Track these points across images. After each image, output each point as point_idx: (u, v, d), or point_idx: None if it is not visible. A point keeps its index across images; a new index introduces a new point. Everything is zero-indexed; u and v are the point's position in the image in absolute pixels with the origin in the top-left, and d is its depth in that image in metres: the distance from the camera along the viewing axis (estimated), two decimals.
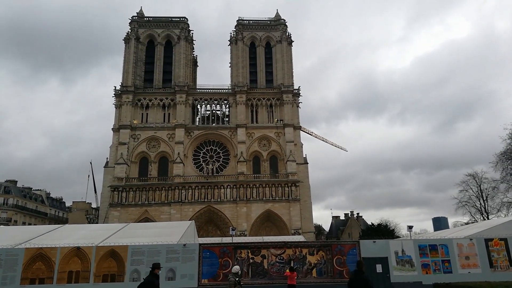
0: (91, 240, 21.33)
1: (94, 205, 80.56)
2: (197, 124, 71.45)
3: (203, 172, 67.01)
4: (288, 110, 70.38)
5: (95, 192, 73.02)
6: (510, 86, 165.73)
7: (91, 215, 79.37)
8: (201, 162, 68.21)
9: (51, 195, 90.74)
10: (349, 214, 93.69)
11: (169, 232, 24.29)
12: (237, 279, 10.90)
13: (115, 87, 69.92)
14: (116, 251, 20.24)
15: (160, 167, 66.83)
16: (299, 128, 71.17)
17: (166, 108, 70.15)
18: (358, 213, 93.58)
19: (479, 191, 53.06)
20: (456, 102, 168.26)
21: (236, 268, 11.20)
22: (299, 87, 73.47)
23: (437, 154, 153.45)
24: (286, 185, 64.32)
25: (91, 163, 75.19)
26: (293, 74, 74.14)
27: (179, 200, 62.42)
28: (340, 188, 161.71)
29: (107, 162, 66.21)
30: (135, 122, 67.83)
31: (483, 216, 51.30)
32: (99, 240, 21.33)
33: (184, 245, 21.13)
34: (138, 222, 53.40)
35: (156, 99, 70.16)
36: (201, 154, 68.76)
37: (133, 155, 66.14)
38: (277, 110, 71.39)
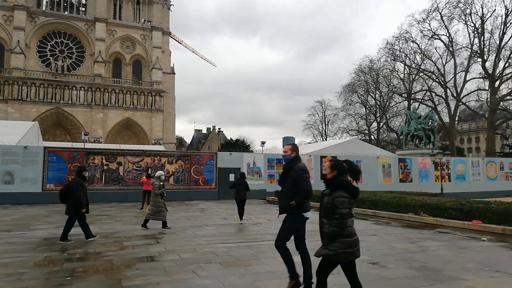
0: None
1: None
2: (44, 9, 59.53)
3: (50, 69, 57.97)
4: (157, 11, 64.45)
5: None
6: (366, 28, 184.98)
7: None
8: (49, 57, 58.56)
9: None
10: (211, 128, 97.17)
11: (6, 131, 21.10)
12: (161, 183, 10.63)
13: None
14: None
15: None
16: (169, 34, 66.68)
17: None
18: (219, 128, 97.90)
19: (323, 116, 61.29)
20: (320, 34, 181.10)
21: (159, 172, 11.01)
22: None
23: (297, 80, 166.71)
24: (149, 94, 61.39)
25: None
26: None
27: (19, 97, 53.53)
28: (206, 103, 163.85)
29: None
30: None
31: (323, 138, 60.08)
32: None
33: (25, 147, 18.80)
34: None
35: None
36: (49, 47, 58.72)
37: None
38: (145, 9, 64.63)
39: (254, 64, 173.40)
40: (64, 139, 52.88)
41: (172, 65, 66.79)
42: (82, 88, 57.22)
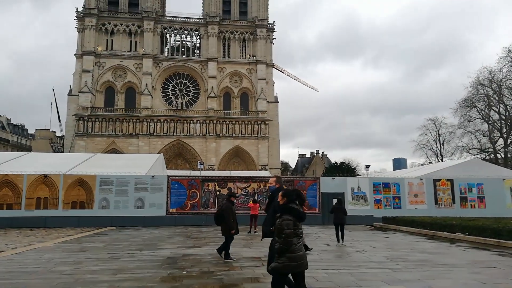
0: (58, 168, 21.39)
1: (58, 134, 78.68)
2: (166, 54, 68.61)
3: (172, 106, 66.04)
4: (261, 46, 68.73)
5: (59, 120, 70.84)
6: (484, 38, 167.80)
7: (56, 144, 77.84)
8: (170, 96, 66.86)
9: (12, 122, 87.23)
10: (315, 152, 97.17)
11: (138, 163, 24.66)
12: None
13: (77, 8, 65.19)
14: (84, 180, 20.53)
15: (127, 98, 65.08)
16: (272, 65, 70.24)
17: (133, 35, 66.46)
18: (323, 152, 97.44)
19: (437, 135, 56.21)
20: (430, 50, 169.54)
21: None
22: (274, 22, 71.30)
23: (405, 99, 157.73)
24: (255, 123, 65.03)
25: (53, 90, 72.01)
26: (269, 7, 71.41)
27: (148, 132, 61.99)
28: (310, 128, 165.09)
29: (70, 90, 63.62)
30: (99, 48, 64.17)
31: (438, 158, 54.90)
32: (66, 169, 21.43)
33: (153, 176, 21.70)
34: (106, 153, 53.16)
35: (121, 24, 66.04)
36: (170, 87, 67.14)
37: (98, 84, 63.65)
38: (250, 45, 69.55)
39: (358, 86, 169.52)
40: (184, 167, 59.03)
41: (275, 94, 69.74)
42: (198, 121, 63.59)
